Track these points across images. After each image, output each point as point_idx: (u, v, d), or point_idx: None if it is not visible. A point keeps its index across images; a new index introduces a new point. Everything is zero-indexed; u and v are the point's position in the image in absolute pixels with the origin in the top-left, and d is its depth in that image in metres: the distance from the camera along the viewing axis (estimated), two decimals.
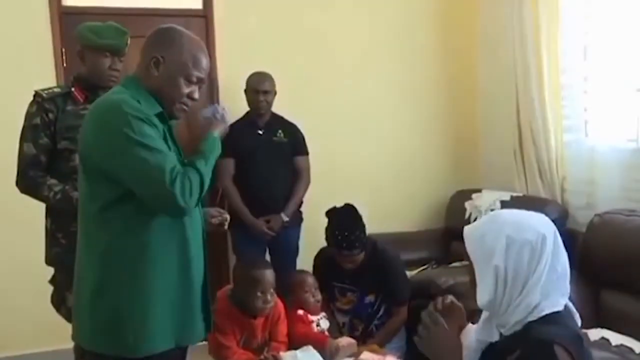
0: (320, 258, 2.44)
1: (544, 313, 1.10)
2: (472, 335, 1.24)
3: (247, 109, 2.83)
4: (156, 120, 1.37)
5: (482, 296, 1.12)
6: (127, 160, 1.31)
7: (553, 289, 1.11)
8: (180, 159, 1.45)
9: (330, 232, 2.28)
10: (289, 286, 2.20)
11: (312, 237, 2.65)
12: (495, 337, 1.19)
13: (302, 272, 2.31)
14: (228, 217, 1.67)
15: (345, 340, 2.02)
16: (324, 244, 2.38)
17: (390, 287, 2.33)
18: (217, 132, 1.51)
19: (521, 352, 1.07)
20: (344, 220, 2.26)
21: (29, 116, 1.91)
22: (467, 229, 1.19)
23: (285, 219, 2.76)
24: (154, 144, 1.32)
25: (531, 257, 1.10)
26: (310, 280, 2.19)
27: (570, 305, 1.18)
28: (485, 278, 1.11)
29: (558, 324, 1.09)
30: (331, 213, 2.32)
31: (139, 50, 1.48)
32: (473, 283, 1.15)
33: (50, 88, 1.97)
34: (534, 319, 1.10)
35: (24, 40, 2.81)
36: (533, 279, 1.09)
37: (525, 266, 1.10)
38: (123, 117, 1.30)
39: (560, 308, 1.13)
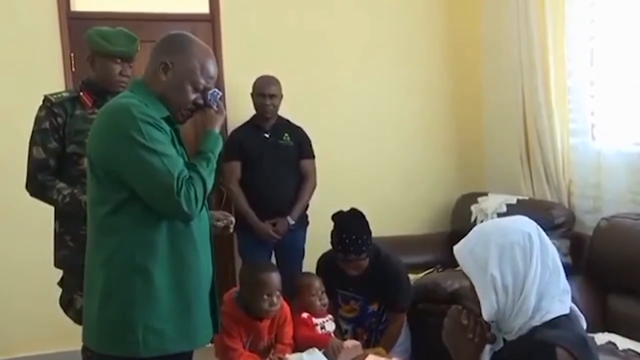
0: (323, 263, 2.42)
1: (549, 316, 1.10)
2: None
3: (253, 112, 2.85)
4: (164, 124, 1.39)
5: (487, 309, 1.12)
6: (136, 164, 1.32)
7: (549, 285, 1.12)
8: (187, 161, 1.46)
9: (337, 236, 2.25)
10: (295, 289, 2.20)
11: (318, 240, 2.65)
12: (500, 345, 1.19)
13: (309, 275, 2.30)
14: (233, 219, 1.67)
15: (350, 342, 2.02)
16: (329, 246, 2.37)
17: (393, 294, 2.31)
18: (218, 127, 1.51)
19: (523, 353, 1.08)
20: (351, 224, 2.24)
21: (38, 120, 1.93)
22: (456, 248, 1.21)
23: (292, 222, 2.76)
24: (162, 149, 1.34)
25: (523, 257, 1.12)
26: (317, 283, 2.18)
27: (575, 308, 1.18)
28: (486, 290, 1.12)
29: (562, 327, 1.10)
30: (338, 217, 2.29)
31: (146, 54, 1.50)
32: (477, 300, 1.15)
33: (59, 93, 1.99)
34: (539, 323, 1.10)
35: (32, 45, 2.84)
36: (529, 278, 1.11)
37: (520, 268, 1.11)
38: (132, 121, 1.32)
39: (565, 311, 1.13)
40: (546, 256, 1.13)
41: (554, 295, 1.12)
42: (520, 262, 1.11)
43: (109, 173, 1.36)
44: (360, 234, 2.21)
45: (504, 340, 1.18)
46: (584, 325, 1.19)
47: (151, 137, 1.33)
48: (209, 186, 1.41)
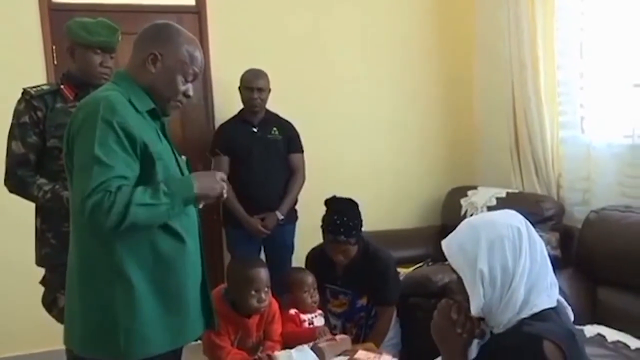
0: (312, 258, 2.41)
1: (536, 309, 1.10)
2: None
3: (241, 106, 2.81)
4: (138, 122, 1.32)
5: (475, 303, 1.11)
6: (77, 159, 1.29)
7: (537, 279, 1.12)
8: (175, 155, 1.43)
9: (328, 217, 2.25)
10: (287, 284, 2.17)
11: (307, 236, 2.62)
12: (487, 338, 1.19)
13: (303, 270, 2.25)
14: (225, 185, 1.56)
15: (338, 336, 2.00)
16: (318, 241, 2.36)
17: (381, 287, 2.30)
18: (201, 188, 1.38)
19: (510, 346, 1.07)
20: (344, 207, 2.25)
21: (17, 114, 1.87)
22: (444, 243, 1.19)
23: (280, 217, 2.74)
24: (104, 155, 1.24)
25: (513, 251, 1.11)
26: (310, 280, 2.15)
27: (563, 300, 1.18)
28: (475, 285, 1.11)
29: (550, 320, 1.10)
30: (331, 200, 2.30)
31: (129, 46, 1.45)
32: (463, 292, 1.14)
33: (39, 85, 1.93)
34: (526, 316, 1.10)
35: (13, 38, 2.77)
36: (518, 272, 1.10)
37: (510, 262, 1.11)
38: (94, 118, 1.27)
39: (552, 304, 1.13)
40: (534, 250, 1.13)
41: (541, 289, 1.12)
42: (510, 257, 1.11)
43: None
44: (352, 218, 2.23)
45: (491, 333, 1.17)
46: (572, 317, 1.19)
47: (101, 141, 1.25)
48: (135, 216, 1.24)
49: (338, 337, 1.98)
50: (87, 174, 1.24)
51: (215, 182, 1.43)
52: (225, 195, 1.51)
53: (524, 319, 1.10)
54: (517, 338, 1.07)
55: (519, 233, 1.12)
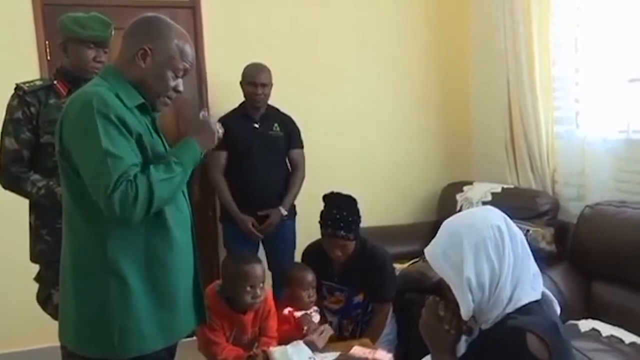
0: (309, 254, 2.40)
1: (521, 303, 1.11)
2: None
3: (236, 103, 2.79)
4: (129, 115, 1.31)
5: (465, 308, 1.12)
6: (82, 157, 1.27)
7: (521, 273, 1.13)
8: (166, 149, 1.42)
9: (328, 212, 2.24)
10: (286, 279, 2.16)
11: (304, 232, 2.62)
12: (476, 334, 1.20)
13: (304, 268, 2.22)
14: (219, 128, 1.54)
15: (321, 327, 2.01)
16: (315, 237, 2.35)
17: (378, 284, 2.30)
18: (203, 144, 1.42)
19: (495, 341, 1.09)
20: (344, 203, 2.25)
21: (10, 110, 1.86)
22: (427, 251, 1.19)
23: (284, 212, 2.71)
24: (111, 147, 1.24)
25: (497, 251, 1.11)
26: (310, 277, 2.13)
27: (548, 293, 1.19)
28: (463, 291, 1.11)
29: (535, 313, 1.11)
30: (330, 196, 2.30)
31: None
32: (454, 301, 1.13)
33: (32, 81, 1.92)
34: (511, 310, 1.11)
35: (6, 33, 2.75)
36: (504, 271, 1.11)
37: (495, 263, 1.11)
38: (90, 113, 1.25)
39: (537, 297, 1.14)
40: (515, 244, 1.13)
41: (525, 281, 1.13)
42: (494, 258, 1.11)
43: (72, 166, 1.30)
44: (352, 213, 2.23)
45: (480, 329, 1.18)
46: (558, 309, 1.20)
47: (105, 133, 1.25)
48: (160, 194, 1.27)
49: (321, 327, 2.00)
50: (104, 169, 1.23)
51: (213, 133, 1.47)
52: (220, 135, 1.53)
53: (509, 313, 1.11)
54: (502, 332, 1.08)
55: (499, 231, 1.12)
